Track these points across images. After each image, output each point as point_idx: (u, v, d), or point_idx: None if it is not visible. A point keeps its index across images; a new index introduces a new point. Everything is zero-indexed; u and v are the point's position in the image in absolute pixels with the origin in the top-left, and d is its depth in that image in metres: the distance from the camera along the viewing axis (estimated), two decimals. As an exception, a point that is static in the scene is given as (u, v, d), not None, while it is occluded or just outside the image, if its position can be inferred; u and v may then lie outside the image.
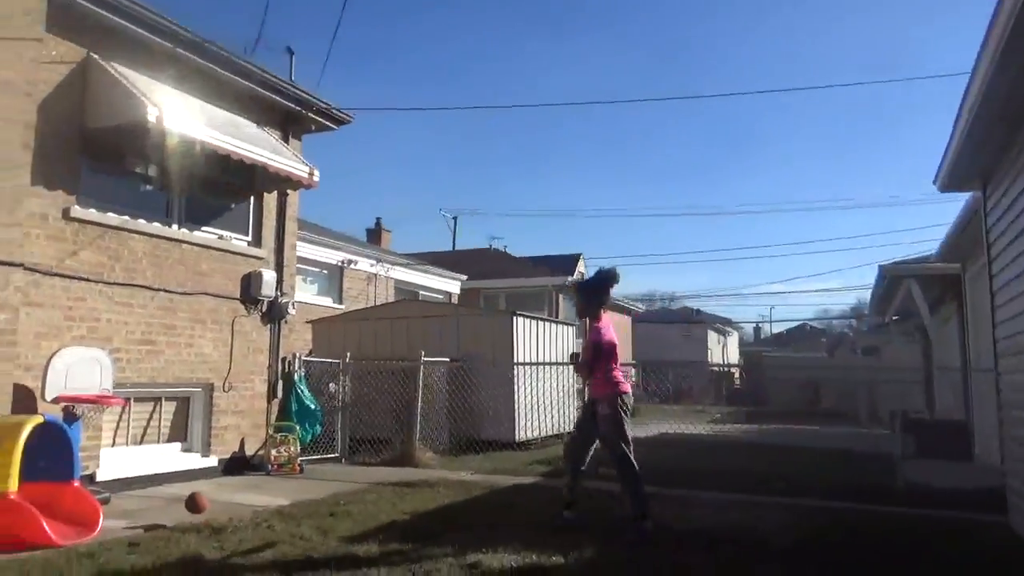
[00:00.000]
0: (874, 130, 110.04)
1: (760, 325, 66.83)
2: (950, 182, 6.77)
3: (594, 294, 6.09)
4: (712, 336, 44.57)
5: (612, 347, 5.97)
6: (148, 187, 8.08)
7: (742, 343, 58.38)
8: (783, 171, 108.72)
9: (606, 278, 6.17)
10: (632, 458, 5.79)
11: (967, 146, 5.86)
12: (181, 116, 7.28)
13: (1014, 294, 5.70)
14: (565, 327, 15.06)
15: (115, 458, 7.31)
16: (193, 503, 5.35)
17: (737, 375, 40.60)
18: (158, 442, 7.96)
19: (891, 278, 13.92)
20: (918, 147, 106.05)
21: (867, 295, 21.39)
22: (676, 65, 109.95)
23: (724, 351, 47.67)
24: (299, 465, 8.76)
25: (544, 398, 12.52)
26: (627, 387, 5.98)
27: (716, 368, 34.23)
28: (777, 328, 66.46)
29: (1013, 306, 5.76)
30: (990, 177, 6.41)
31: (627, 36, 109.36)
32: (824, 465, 9.96)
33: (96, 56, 7.12)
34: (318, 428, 9.62)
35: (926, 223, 37.52)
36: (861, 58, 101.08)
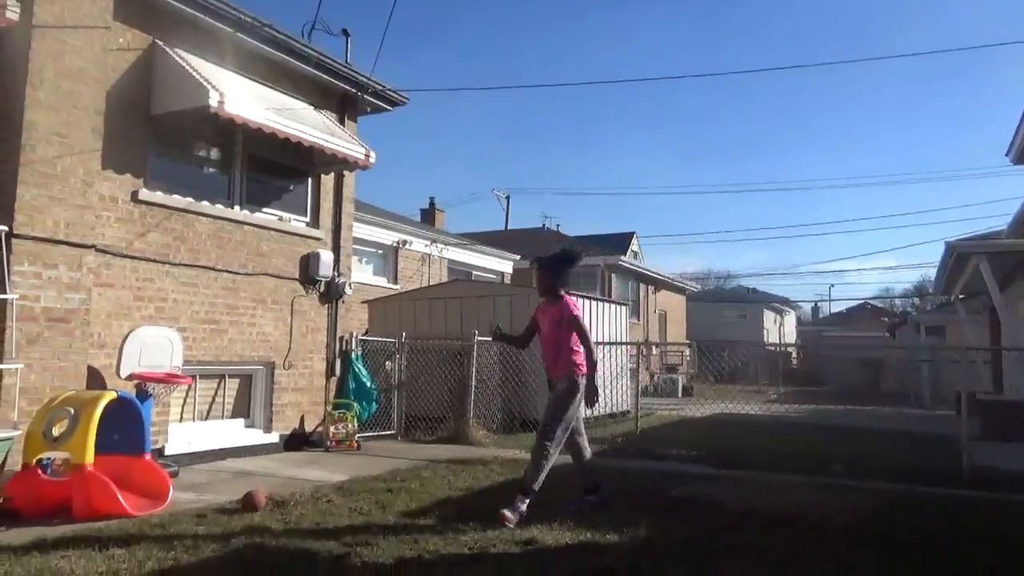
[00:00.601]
0: (942, 101, 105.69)
1: (818, 304, 65.40)
2: (1024, 155, 6.50)
3: (563, 271, 5.85)
4: (768, 315, 43.80)
5: (581, 325, 5.70)
6: (211, 170, 8.32)
7: (800, 322, 57.20)
8: (844, 145, 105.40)
9: (571, 256, 6.00)
10: (556, 442, 5.53)
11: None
12: (242, 100, 7.44)
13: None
14: (618, 306, 14.99)
15: (182, 433, 7.60)
16: (249, 502, 5.40)
17: (794, 355, 39.85)
18: (222, 418, 8.24)
19: (958, 255, 13.41)
20: (990, 118, 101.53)
21: (931, 273, 20.71)
22: (732, 38, 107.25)
23: (781, 331, 46.82)
24: (357, 442, 8.97)
25: (597, 377, 12.47)
26: (585, 370, 5.70)
27: (773, 348, 33.63)
28: (837, 307, 64.84)
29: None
30: (1067, 149, 6.12)
31: (683, 6, 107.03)
32: (884, 447, 9.75)
33: (161, 43, 7.33)
34: (374, 406, 9.82)
35: (997, 197, 35.96)
36: (927, 27, 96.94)
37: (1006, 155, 6.70)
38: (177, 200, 7.56)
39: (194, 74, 7.18)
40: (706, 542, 4.77)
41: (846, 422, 13.14)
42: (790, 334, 49.67)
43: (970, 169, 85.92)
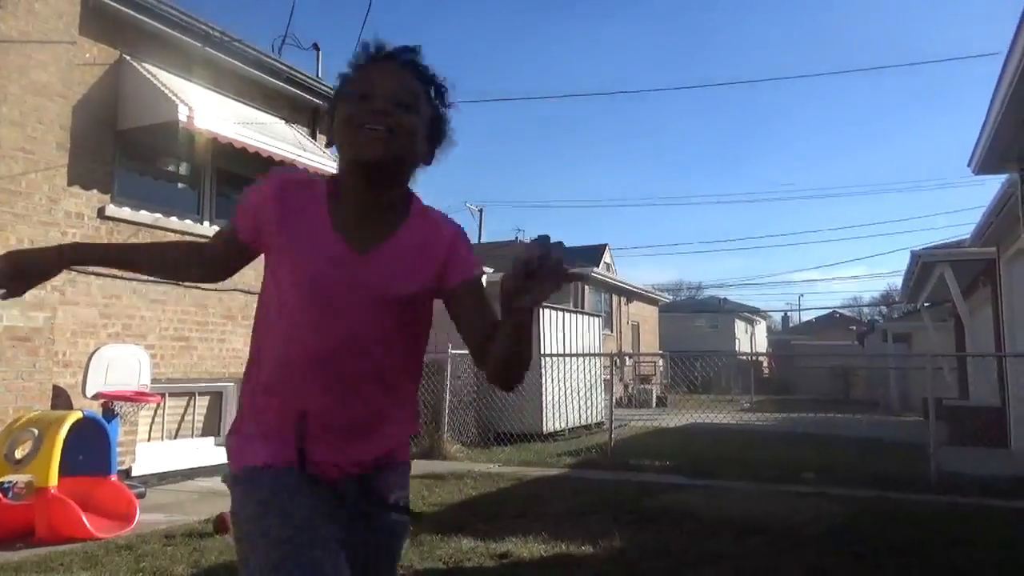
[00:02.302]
0: (903, 113, 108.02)
1: (788, 313, 66.19)
2: (986, 164, 6.66)
3: None
4: (739, 325, 44.28)
5: None
6: (180, 185, 8.24)
7: (770, 331, 57.85)
8: (810, 157, 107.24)
9: None
10: None
11: (1004, 127, 5.75)
12: (211, 115, 7.38)
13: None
14: (591, 318, 15.05)
15: (150, 453, 7.46)
16: (222, 523, 5.26)
17: (765, 364, 40.26)
18: (192, 436, 8.11)
19: (923, 264, 13.71)
20: (949, 129, 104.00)
21: (898, 282, 21.11)
22: (699, 51, 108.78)
23: (752, 340, 47.32)
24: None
25: (571, 389, 12.53)
26: None
27: (744, 357, 33.98)
28: (806, 316, 65.69)
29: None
30: (1026, 159, 6.30)
31: (650, 19, 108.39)
32: (855, 454, 9.87)
33: (129, 58, 7.25)
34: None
35: (958, 207, 36.84)
36: (889, 39, 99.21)
37: (968, 165, 6.84)
38: (145, 216, 7.46)
39: (162, 89, 7.11)
40: (681, 552, 4.79)
41: (817, 430, 13.28)
42: (761, 343, 50.22)
43: (936, 180, 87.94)
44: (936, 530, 5.49)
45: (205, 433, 8.29)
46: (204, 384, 8.18)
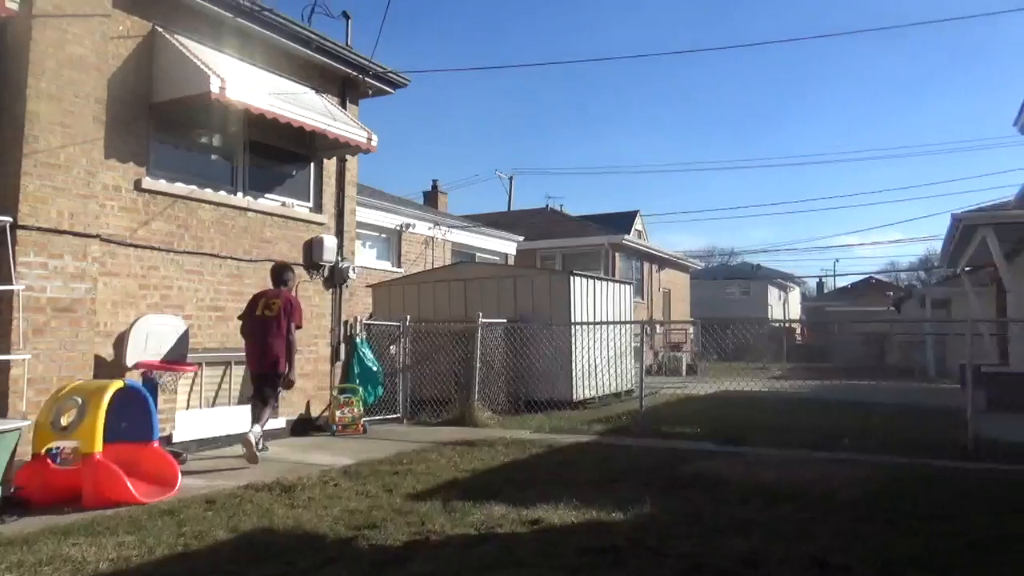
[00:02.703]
0: (948, 71, 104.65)
1: (823, 279, 65.22)
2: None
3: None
4: (772, 292, 43.73)
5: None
6: (213, 157, 8.32)
7: (805, 298, 57.09)
8: (850, 119, 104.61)
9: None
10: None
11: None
12: (243, 86, 7.42)
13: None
14: (622, 286, 14.99)
15: (190, 420, 7.65)
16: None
17: (799, 331, 39.82)
18: (229, 404, 8.29)
19: (964, 227, 13.35)
20: (996, 87, 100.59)
21: (937, 246, 20.63)
22: (735, 11, 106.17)
23: (785, 306, 46.76)
24: (363, 425, 9.03)
25: (601, 357, 12.54)
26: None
27: (777, 324, 33.62)
28: (841, 282, 64.65)
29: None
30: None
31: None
32: (889, 421, 9.76)
33: (161, 30, 7.29)
34: (380, 390, 9.87)
35: (1005, 168, 35.70)
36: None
37: (1014, 125, 6.63)
38: (180, 188, 7.56)
39: (195, 60, 7.16)
40: (711, 518, 4.81)
41: (851, 397, 13.13)
42: (795, 310, 49.61)
43: (978, 140, 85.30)
44: (972, 497, 5.44)
45: (242, 401, 8.46)
46: (240, 353, 8.32)
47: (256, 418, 7.11)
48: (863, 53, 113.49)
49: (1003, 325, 15.68)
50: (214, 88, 6.94)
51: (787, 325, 37.69)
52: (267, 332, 7.17)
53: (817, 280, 65.10)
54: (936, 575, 3.76)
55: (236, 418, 8.21)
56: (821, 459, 7.08)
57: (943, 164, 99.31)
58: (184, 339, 7.25)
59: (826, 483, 5.91)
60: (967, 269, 17.80)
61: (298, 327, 7.38)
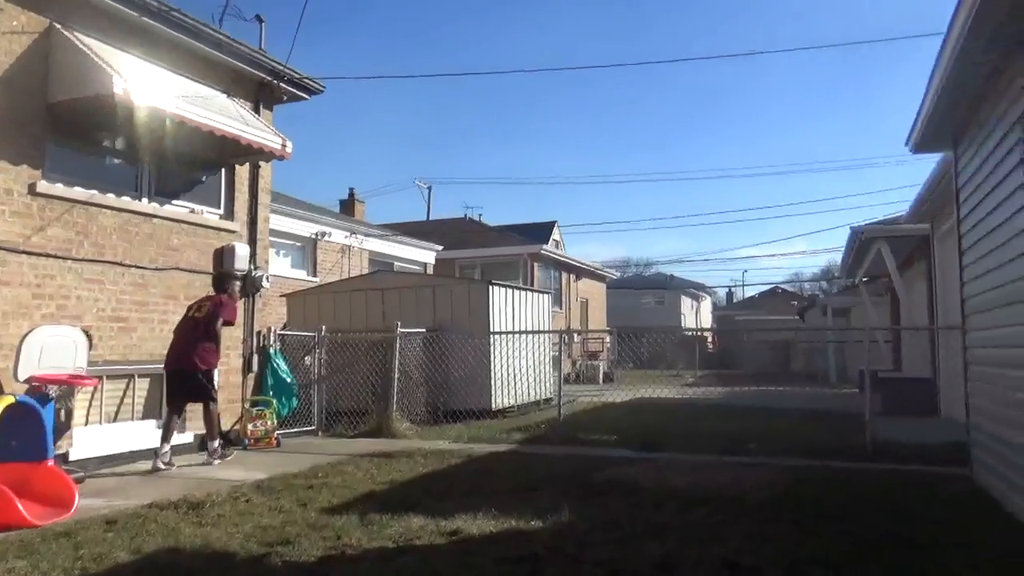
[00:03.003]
0: (846, 92, 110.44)
1: (732, 289, 67.63)
2: (923, 143, 6.85)
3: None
4: (685, 301, 45.04)
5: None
6: (116, 160, 7.93)
7: (716, 307, 59.04)
8: (756, 134, 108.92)
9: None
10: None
11: (939, 107, 5.91)
12: (149, 87, 7.12)
13: (982, 253, 5.82)
14: (540, 295, 15.12)
15: (89, 436, 7.25)
16: None
17: (710, 339, 41.11)
18: (132, 419, 7.90)
19: (862, 240, 14.12)
20: (890, 108, 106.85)
21: (838, 258, 21.68)
22: (644, 28, 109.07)
23: (698, 315, 48.23)
24: (276, 439, 8.77)
25: (520, 366, 12.60)
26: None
27: (689, 332, 34.61)
28: (750, 292, 67.20)
29: (981, 264, 5.89)
30: (961, 138, 6.49)
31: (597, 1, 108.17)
32: (795, 425, 10.18)
33: (60, 26, 6.92)
34: (294, 401, 9.63)
35: (898, 185, 37.96)
36: (830, 17, 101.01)
37: (906, 144, 7.03)
38: (79, 192, 7.19)
39: (96, 59, 6.82)
40: (628, 524, 4.89)
41: (759, 403, 13.65)
42: (706, 319, 51.22)
43: (878, 157, 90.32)
44: (870, 496, 5.72)
45: (146, 416, 8.09)
46: (144, 366, 7.97)
47: (210, 433, 7.65)
48: (775, 71, 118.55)
49: (897, 332, 16.61)
50: (117, 89, 6.64)
51: (699, 333, 38.83)
52: (189, 331, 7.50)
53: (727, 290, 67.52)
54: (835, 573, 3.92)
55: (140, 434, 7.86)
56: (732, 463, 7.30)
57: (846, 179, 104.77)
58: (82, 351, 6.87)
59: (737, 487, 6.09)
60: (865, 279, 18.80)
61: (227, 323, 7.76)
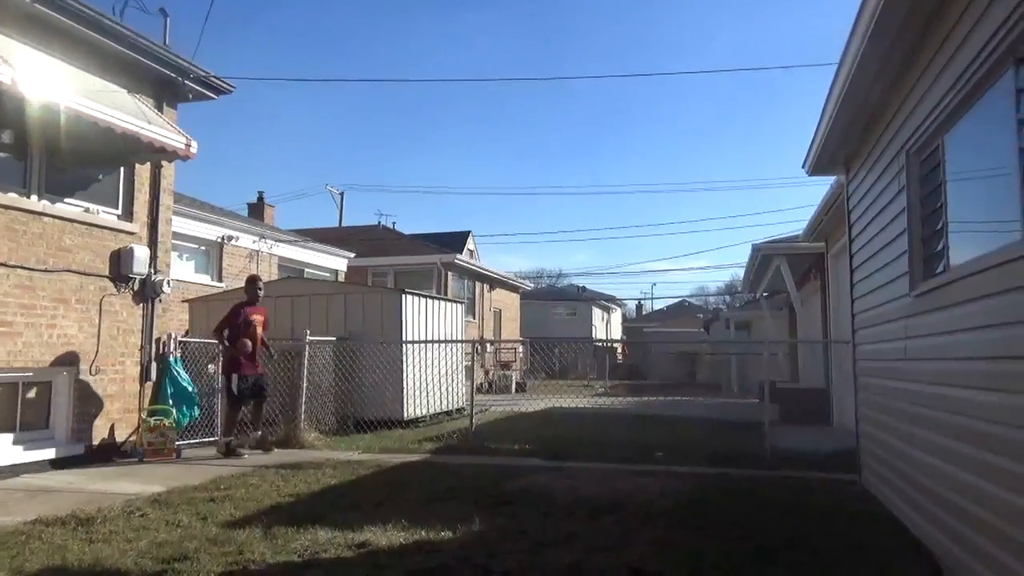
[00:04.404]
0: (751, 114, 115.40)
1: (642, 302, 69.38)
2: (818, 167, 7.23)
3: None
4: (597, 313, 45.83)
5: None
6: (2, 155, 7.45)
7: (625, 319, 60.38)
8: (667, 152, 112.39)
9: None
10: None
11: (832, 135, 6.26)
12: (41, 79, 6.72)
13: (870, 271, 6.16)
14: (454, 305, 15.08)
15: (-33, 449, 6.76)
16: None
17: (620, 350, 41.97)
18: (16, 430, 7.41)
19: (762, 256, 14.75)
20: (789, 132, 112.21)
21: (740, 273, 22.57)
22: (555, 47, 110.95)
23: (608, 327, 49.17)
24: (176, 450, 8.39)
25: (433, 376, 12.52)
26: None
27: (600, 343, 35.26)
28: (658, 304, 69.12)
29: (869, 282, 6.24)
30: (852, 163, 6.88)
31: (512, 16, 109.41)
32: (699, 434, 10.49)
33: (-63, 9, 6.46)
34: (196, 411, 9.23)
35: (797, 205, 39.91)
36: (733, 44, 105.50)
37: (802, 167, 7.41)
38: (-41, 187, 6.71)
39: (-20, 46, 6.40)
40: (538, 533, 4.91)
41: (666, 412, 14.01)
42: (616, 331, 52.29)
43: (780, 178, 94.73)
44: (769, 502, 5.94)
45: (33, 426, 7.60)
46: (31, 373, 7.49)
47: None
48: (676, 92, 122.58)
49: (794, 345, 17.40)
50: (4, 78, 6.24)
51: (609, 344, 39.58)
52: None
53: (636, 302, 69.22)
54: (738, 576, 4.06)
55: (25, 445, 7.38)
56: (640, 471, 7.45)
57: (748, 198, 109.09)
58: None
59: (644, 494, 6.22)
60: (765, 294, 19.64)
61: (218, 330, 9.12)
